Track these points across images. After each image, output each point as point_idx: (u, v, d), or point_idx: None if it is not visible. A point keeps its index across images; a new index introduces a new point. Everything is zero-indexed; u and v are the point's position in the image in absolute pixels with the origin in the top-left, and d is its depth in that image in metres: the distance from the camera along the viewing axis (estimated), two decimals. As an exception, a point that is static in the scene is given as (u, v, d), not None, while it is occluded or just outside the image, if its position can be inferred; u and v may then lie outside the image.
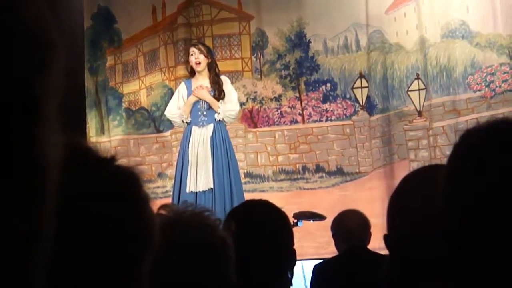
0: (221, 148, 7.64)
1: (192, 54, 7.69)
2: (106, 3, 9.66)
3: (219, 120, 7.67)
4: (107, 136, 9.60)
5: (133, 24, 9.70)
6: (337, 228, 5.24)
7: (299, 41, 9.55)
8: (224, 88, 7.70)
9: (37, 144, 0.69)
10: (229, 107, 7.69)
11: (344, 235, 5.11)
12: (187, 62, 7.91)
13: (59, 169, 0.72)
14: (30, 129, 0.69)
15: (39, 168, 0.70)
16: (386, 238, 1.80)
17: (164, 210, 1.90)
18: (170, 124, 8.50)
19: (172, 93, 8.58)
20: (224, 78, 7.86)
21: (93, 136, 9.48)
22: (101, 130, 9.65)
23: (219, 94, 7.64)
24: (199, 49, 7.66)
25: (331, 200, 9.05)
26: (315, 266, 5.18)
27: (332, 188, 9.39)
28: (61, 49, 0.72)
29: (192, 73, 7.80)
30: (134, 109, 9.72)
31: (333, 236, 5.28)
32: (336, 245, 5.22)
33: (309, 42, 9.53)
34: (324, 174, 9.42)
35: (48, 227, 0.72)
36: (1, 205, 0.67)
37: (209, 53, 7.72)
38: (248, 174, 9.35)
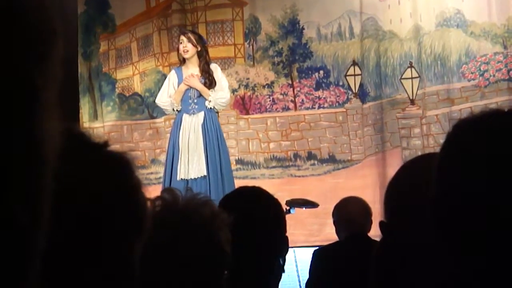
0: (213, 136, 7.66)
1: (181, 42, 7.73)
2: (99, -12, 9.64)
3: (210, 108, 7.68)
4: (100, 122, 9.59)
5: (127, 10, 9.68)
6: (338, 215, 5.24)
7: (292, 27, 9.52)
8: (215, 76, 7.71)
9: (36, 132, 0.69)
10: (220, 95, 7.70)
11: (345, 222, 5.10)
12: (179, 49, 7.91)
13: (57, 157, 0.73)
14: (29, 118, 0.69)
15: (38, 156, 0.70)
16: (382, 225, 1.81)
17: (167, 194, 1.90)
18: (163, 111, 8.50)
19: (166, 79, 8.59)
20: (215, 66, 7.87)
21: (86, 121, 9.48)
22: (94, 116, 9.64)
23: (210, 83, 7.65)
24: (188, 38, 7.68)
25: (323, 187, 9.05)
26: (314, 251, 5.17)
27: (324, 175, 9.39)
28: (61, 38, 0.72)
29: (183, 60, 7.81)
30: (127, 95, 9.71)
31: (334, 222, 5.27)
32: (337, 232, 5.21)
33: (303, 29, 9.51)
34: (316, 162, 9.42)
35: (47, 216, 0.72)
36: (1, 194, 0.67)
37: (199, 42, 7.72)
38: (239, 161, 9.35)
